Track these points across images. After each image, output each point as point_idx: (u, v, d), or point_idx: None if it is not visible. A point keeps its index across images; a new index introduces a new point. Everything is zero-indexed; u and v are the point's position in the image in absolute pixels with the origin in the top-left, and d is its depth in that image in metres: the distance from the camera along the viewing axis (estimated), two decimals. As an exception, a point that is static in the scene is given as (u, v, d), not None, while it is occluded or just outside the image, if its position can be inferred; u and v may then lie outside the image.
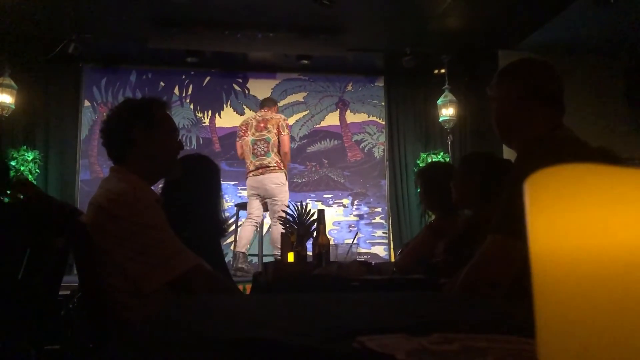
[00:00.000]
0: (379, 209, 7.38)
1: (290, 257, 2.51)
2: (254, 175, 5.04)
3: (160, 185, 2.41)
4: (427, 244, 2.68)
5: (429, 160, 6.97)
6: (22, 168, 6.12)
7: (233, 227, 5.89)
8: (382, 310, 0.96)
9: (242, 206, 6.12)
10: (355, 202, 7.37)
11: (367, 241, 7.23)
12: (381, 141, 7.52)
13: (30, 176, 6.17)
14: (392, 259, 6.68)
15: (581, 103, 5.77)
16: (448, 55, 6.75)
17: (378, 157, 7.51)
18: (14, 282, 1.92)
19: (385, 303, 1.07)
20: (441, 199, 2.73)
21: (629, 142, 6.28)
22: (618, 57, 6.46)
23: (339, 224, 7.23)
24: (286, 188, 5.09)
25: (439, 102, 6.88)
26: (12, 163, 6.12)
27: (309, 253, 2.62)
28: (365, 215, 7.36)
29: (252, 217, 5.23)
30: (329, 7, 4.97)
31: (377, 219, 7.36)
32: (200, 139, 7.20)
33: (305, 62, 6.56)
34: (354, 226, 7.23)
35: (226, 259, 3.68)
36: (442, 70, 6.95)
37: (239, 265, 5.09)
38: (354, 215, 7.32)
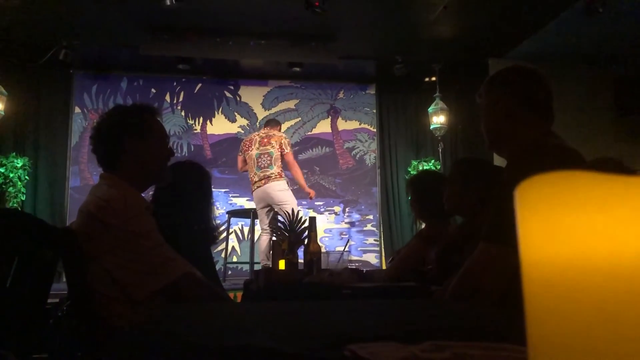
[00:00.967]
0: (371, 216, 7.39)
1: (282, 264, 2.51)
2: (258, 186, 5.33)
3: (151, 193, 2.40)
4: (418, 252, 2.68)
5: (420, 168, 6.99)
6: (11, 175, 6.07)
7: (224, 234, 5.88)
8: (373, 318, 0.95)
9: (233, 213, 6.11)
10: (347, 210, 7.37)
11: (359, 248, 7.23)
12: (372, 148, 7.54)
13: (19, 183, 6.13)
14: (384, 267, 6.69)
15: (570, 111, 5.82)
16: (439, 64, 6.79)
17: (369, 164, 7.52)
18: (1, 290, 1.90)
19: (376, 311, 1.07)
20: (431, 207, 2.74)
21: (618, 150, 6.34)
22: (607, 66, 6.53)
23: (331, 231, 7.23)
24: (290, 193, 5.37)
25: (430, 109, 6.92)
26: (1, 170, 6.08)
27: (300, 260, 2.62)
28: (357, 223, 7.36)
29: (265, 228, 5.40)
30: (320, 14, 4.98)
31: (369, 227, 7.36)
32: (192, 146, 7.18)
33: (297, 69, 6.58)
34: (346, 233, 7.23)
35: (217, 267, 3.66)
36: (433, 78, 6.99)
37: None
38: (346, 223, 7.32)
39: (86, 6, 5.32)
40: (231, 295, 3.09)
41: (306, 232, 2.54)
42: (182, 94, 7.27)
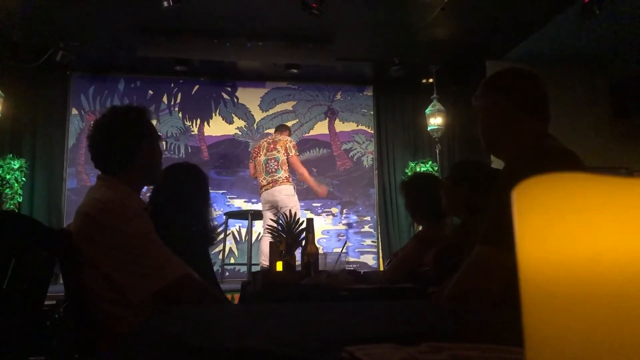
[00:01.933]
0: (368, 218, 7.39)
1: (279, 266, 2.51)
2: (266, 189, 5.50)
3: (148, 194, 2.39)
4: (415, 254, 2.68)
5: (418, 170, 7.00)
6: (8, 176, 6.06)
7: (222, 235, 5.88)
8: (370, 320, 0.95)
9: (231, 215, 6.11)
10: (344, 211, 7.37)
11: (356, 250, 7.23)
12: (370, 150, 7.55)
13: (16, 184, 6.11)
14: (381, 268, 6.69)
15: (567, 113, 5.84)
16: (436, 65, 6.80)
17: (367, 166, 7.52)
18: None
19: (373, 312, 1.07)
20: (426, 210, 2.74)
21: (615, 152, 6.36)
22: (604, 67, 6.55)
23: (328, 232, 7.23)
24: (296, 198, 5.51)
25: (427, 111, 6.92)
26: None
27: (298, 262, 2.62)
28: (354, 224, 7.36)
29: (269, 228, 5.45)
30: (318, 16, 4.99)
31: (366, 228, 7.36)
32: (189, 148, 7.17)
33: (295, 71, 6.59)
34: (343, 235, 7.23)
35: (214, 268, 3.66)
36: (430, 80, 7.00)
37: None
38: (343, 224, 7.33)
39: (83, 8, 5.32)
40: (228, 296, 3.08)
41: (304, 234, 2.54)
42: (179, 95, 7.27)
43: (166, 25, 5.81)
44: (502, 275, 1.34)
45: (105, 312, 1.63)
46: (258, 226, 6.37)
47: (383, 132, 7.53)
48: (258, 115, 7.39)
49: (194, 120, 7.25)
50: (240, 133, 7.30)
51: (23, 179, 6.23)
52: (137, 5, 5.31)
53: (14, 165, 6.16)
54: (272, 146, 5.55)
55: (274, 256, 2.58)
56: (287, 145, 5.53)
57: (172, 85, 7.25)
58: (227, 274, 6.24)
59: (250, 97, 7.39)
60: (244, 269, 6.35)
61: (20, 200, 6.21)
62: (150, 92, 7.20)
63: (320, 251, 2.59)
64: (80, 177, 6.84)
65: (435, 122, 6.86)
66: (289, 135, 5.86)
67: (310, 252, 2.47)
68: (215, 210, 6.44)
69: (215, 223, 2.60)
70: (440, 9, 5.26)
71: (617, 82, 6.64)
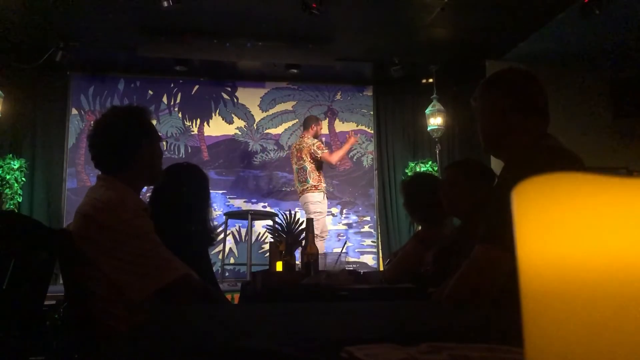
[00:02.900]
0: (368, 218, 7.39)
1: (279, 266, 2.51)
2: (299, 196, 5.81)
3: (148, 194, 2.39)
4: (414, 254, 2.68)
5: (418, 170, 6.99)
6: (7, 176, 6.06)
7: (222, 236, 5.88)
8: (370, 320, 0.95)
9: (230, 215, 6.11)
10: (344, 211, 7.37)
11: (356, 250, 7.23)
12: (370, 150, 7.54)
13: (16, 185, 6.11)
14: (381, 268, 6.68)
15: (567, 113, 5.84)
16: (436, 65, 6.79)
17: (367, 166, 7.52)
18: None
19: (373, 312, 1.07)
20: (426, 210, 2.74)
21: (615, 152, 6.35)
22: (604, 67, 6.55)
23: (328, 232, 7.22)
24: (322, 205, 5.74)
25: (427, 111, 6.92)
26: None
27: (298, 262, 2.62)
28: (354, 224, 7.36)
29: None
30: (318, 16, 4.99)
31: (366, 228, 7.36)
32: (189, 148, 7.17)
33: (294, 71, 6.58)
34: (343, 235, 7.23)
35: (214, 268, 3.66)
36: (430, 80, 7.00)
37: None
38: (343, 224, 7.32)
39: (83, 8, 5.31)
40: (228, 296, 3.08)
41: (304, 234, 2.54)
42: (179, 95, 7.26)
43: (166, 25, 5.80)
44: (502, 275, 1.34)
45: (105, 312, 1.63)
46: (258, 226, 6.38)
47: (383, 132, 7.52)
48: (258, 115, 7.39)
49: (194, 120, 7.25)
50: (240, 133, 7.29)
51: (23, 179, 6.23)
52: (137, 5, 5.31)
53: (14, 165, 6.15)
54: (298, 155, 5.72)
55: (274, 256, 2.58)
56: (312, 150, 5.64)
57: (172, 85, 7.24)
58: (227, 274, 6.24)
59: (250, 97, 7.39)
60: (243, 269, 6.34)
61: (20, 200, 6.20)
62: (150, 92, 7.19)
63: (320, 251, 2.59)
64: (80, 177, 6.83)
65: (435, 122, 6.85)
66: (316, 126, 5.90)
67: (310, 252, 2.47)
68: (215, 210, 6.44)
69: (215, 223, 2.60)
70: (440, 9, 5.26)
71: (617, 82, 6.64)
